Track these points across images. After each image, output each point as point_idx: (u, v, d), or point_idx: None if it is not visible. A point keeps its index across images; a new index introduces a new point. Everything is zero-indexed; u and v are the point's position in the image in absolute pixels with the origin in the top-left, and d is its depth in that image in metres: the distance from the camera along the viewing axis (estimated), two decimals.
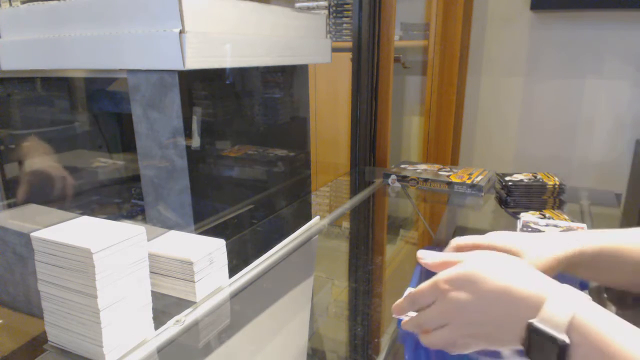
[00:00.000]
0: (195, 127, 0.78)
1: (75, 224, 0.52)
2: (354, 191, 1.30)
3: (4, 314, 0.65)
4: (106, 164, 1.07)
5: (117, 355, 0.50)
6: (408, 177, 1.20)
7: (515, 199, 1.05)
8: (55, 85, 1.00)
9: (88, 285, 0.47)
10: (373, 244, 1.15)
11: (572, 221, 0.98)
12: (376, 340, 0.65)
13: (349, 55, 1.41)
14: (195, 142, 0.78)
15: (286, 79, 1.05)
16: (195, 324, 0.58)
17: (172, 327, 0.56)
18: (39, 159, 0.96)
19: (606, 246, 0.53)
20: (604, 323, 0.37)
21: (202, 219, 0.81)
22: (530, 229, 0.88)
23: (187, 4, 0.66)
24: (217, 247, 0.63)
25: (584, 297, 0.40)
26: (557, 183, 1.04)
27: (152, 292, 0.54)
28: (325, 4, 2.18)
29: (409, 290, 0.74)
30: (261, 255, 0.75)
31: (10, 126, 0.98)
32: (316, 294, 0.81)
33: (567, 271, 0.54)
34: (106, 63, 0.74)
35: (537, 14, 1.95)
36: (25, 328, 0.64)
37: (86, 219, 0.54)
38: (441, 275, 0.46)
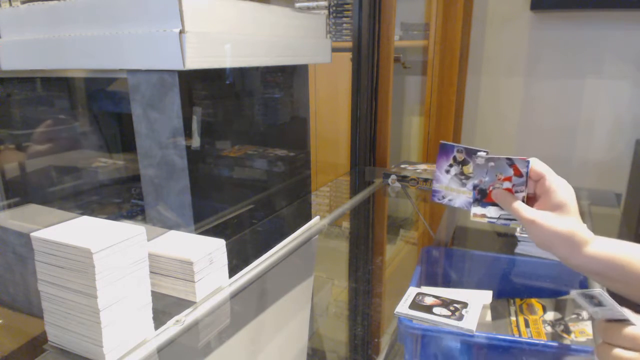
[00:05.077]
0: (195, 127, 0.78)
1: (75, 224, 0.52)
2: (354, 191, 1.30)
3: (4, 314, 0.65)
4: (106, 164, 1.07)
5: (117, 355, 0.50)
6: (408, 177, 1.20)
7: None
8: (55, 85, 1.00)
9: (88, 285, 0.47)
10: (373, 244, 1.15)
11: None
12: (376, 340, 0.65)
13: (349, 55, 1.41)
14: (195, 142, 0.78)
15: (286, 79, 1.05)
16: (195, 324, 0.58)
17: (172, 327, 0.56)
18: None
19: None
20: None
21: (202, 219, 0.81)
22: None
23: (187, 4, 0.66)
24: (217, 247, 0.62)
25: None
26: None
27: (152, 292, 0.54)
28: (325, 4, 2.18)
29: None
30: (261, 255, 0.75)
31: (10, 126, 0.98)
32: (316, 294, 0.81)
33: None
34: (106, 63, 0.74)
35: (537, 14, 1.95)
36: (25, 328, 0.64)
37: (86, 219, 0.54)
38: None
